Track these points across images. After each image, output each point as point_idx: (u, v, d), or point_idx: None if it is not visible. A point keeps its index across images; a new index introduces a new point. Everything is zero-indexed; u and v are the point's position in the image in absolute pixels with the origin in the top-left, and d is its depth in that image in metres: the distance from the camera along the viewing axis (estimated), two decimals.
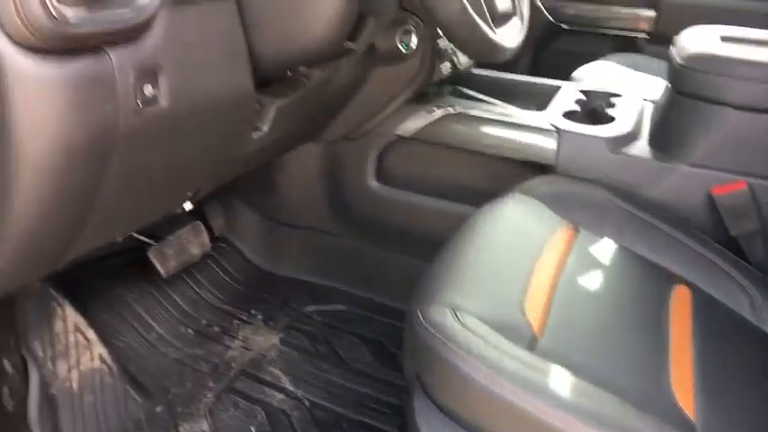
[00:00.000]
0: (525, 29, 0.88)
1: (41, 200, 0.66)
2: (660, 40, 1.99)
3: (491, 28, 0.76)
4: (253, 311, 1.39)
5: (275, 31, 0.85)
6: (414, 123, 1.30)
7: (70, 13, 0.57)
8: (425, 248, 1.40)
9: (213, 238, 1.48)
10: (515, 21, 0.88)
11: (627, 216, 1.05)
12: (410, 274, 1.42)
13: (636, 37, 2.06)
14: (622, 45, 2.05)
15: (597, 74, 1.71)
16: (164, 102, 0.71)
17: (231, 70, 0.83)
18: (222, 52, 0.81)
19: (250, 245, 1.55)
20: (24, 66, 0.57)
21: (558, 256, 0.93)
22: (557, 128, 1.19)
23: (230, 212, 1.54)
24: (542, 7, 2.10)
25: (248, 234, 1.55)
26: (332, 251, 1.50)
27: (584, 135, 1.16)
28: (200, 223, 1.33)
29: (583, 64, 1.81)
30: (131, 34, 0.65)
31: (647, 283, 0.94)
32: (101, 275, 1.25)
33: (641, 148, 1.15)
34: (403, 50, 1.16)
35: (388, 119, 1.31)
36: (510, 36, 0.82)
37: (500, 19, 0.86)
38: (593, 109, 1.31)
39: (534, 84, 1.46)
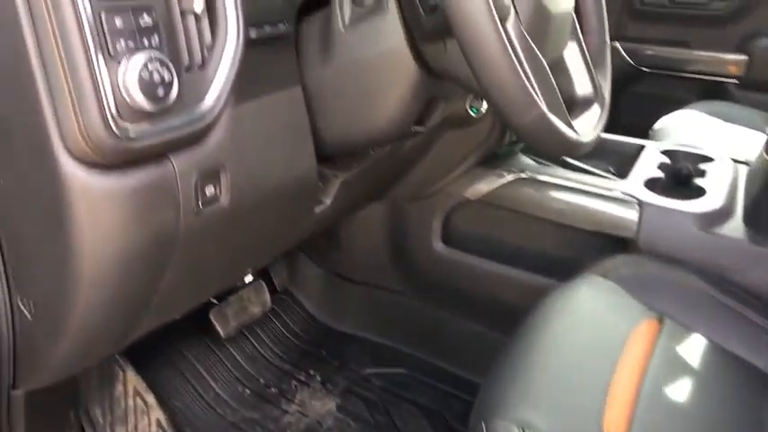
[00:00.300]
0: (606, 116, 0.81)
1: (102, 303, 0.66)
2: (752, 86, 1.86)
3: (569, 124, 0.69)
4: (311, 372, 1.37)
5: (341, 118, 0.82)
6: (482, 186, 1.24)
7: (132, 128, 0.56)
8: (490, 315, 1.35)
9: (275, 291, 1.47)
10: (595, 108, 0.81)
11: (719, 306, 0.95)
12: (473, 340, 1.37)
13: (724, 82, 1.92)
14: (709, 90, 1.92)
15: (682, 126, 1.59)
16: (224, 199, 0.69)
17: (295, 157, 0.80)
18: (287, 140, 0.78)
19: (312, 298, 1.53)
20: (85, 181, 0.56)
21: (640, 356, 0.84)
22: (638, 200, 1.10)
23: (293, 265, 1.53)
24: (621, 50, 2.00)
25: (310, 287, 1.53)
26: (394, 309, 1.46)
27: (670, 209, 1.07)
28: (262, 283, 1.32)
29: (665, 109, 1.69)
30: (194, 139, 0.64)
31: (743, 389, 0.84)
32: (162, 335, 1.25)
33: (735, 226, 1.05)
34: (473, 115, 1.11)
35: (457, 180, 1.27)
36: (589, 127, 0.75)
37: (579, 107, 0.80)
38: (680, 175, 1.21)
39: (613, 142, 1.37)
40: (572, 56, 0.83)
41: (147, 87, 0.55)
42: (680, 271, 1.00)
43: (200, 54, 0.63)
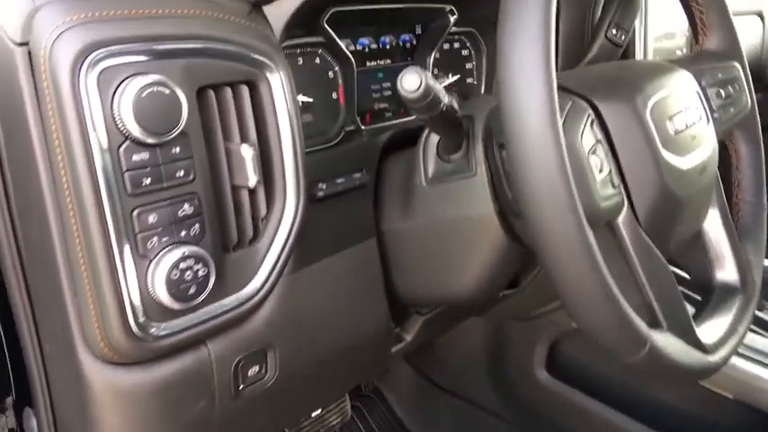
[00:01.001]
0: (753, 310, 0.63)
1: None
2: None
3: (695, 342, 0.54)
4: None
5: (420, 277, 0.72)
6: None
7: (159, 326, 0.51)
8: None
9: (360, 388, 1.39)
10: (739, 304, 0.63)
11: None
12: None
13: None
14: None
15: None
16: (270, 376, 0.62)
17: (364, 314, 0.72)
18: (355, 298, 0.70)
19: (401, 402, 1.43)
20: (109, 379, 0.52)
21: None
22: None
23: None
24: None
25: (400, 389, 1.43)
26: (487, 431, 1.32)
27: None
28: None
29: None
30: (237, 323, 0.57)
31: None
32: None
33: None
34: None
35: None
36: (724, 334, 0.59)
37: (716, 298, 0.63)
38: None
39: None
40: (712, 226, 0.67)
41: (176, 288, 0.50)
42: None
43: (251, 229, 0.57)
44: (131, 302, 0.49)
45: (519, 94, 0.43)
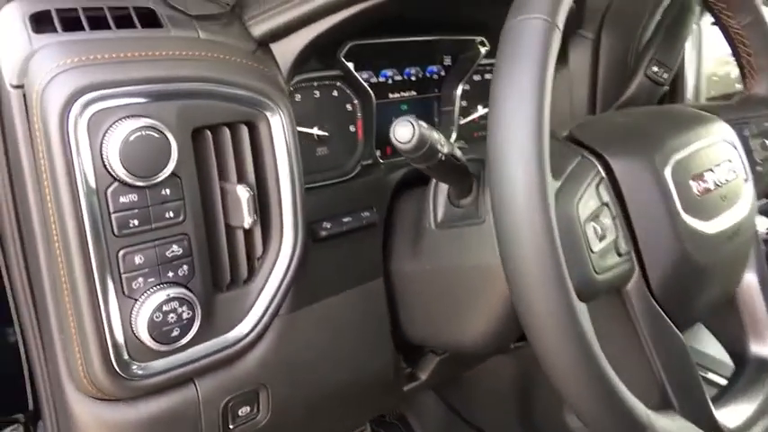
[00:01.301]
0: None
1: None
2: None
3: (712, 427, 0.49)
4: None
5: (426, 321, 0.70)
6: None
7: (143, 365, 0.51)
8: None
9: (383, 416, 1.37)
10: None
11: None
12: None
13: None
14: None
15: None
16: (262, 416, 0.61)
17: (366, 355, 0.70)
18: (357, 339, 0.69)
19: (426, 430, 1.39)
20: (93, 412, 0.52)
21: None
22: None
23: None
24: None
25: (426, 419, 1.40)
26: None
27: None
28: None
29: None
30: (226, 363, 0.57)
31: None
32: None
33: None
34: None
35: None
36: (750, 419, 0.53)
37: (747, 374, 0.57)
38: None
39: None
40: (748, 292, 0.61)
41: (158, 330, 0.49)
42: None
43: (245, 268, 0.57)
44: (114, 341, 0.49)
45: (505, 158, 0.40)
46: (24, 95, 0.45)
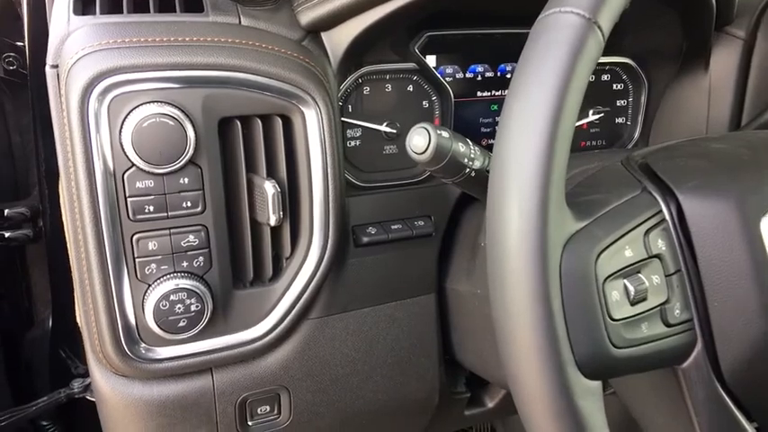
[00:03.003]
0: None
1: None
2: None
3: None
4: None
5: (479, 347, 0.62)
6: None
7: (154, 349, 0.51)
8: None
9: None
10: None
11: None
12: None
13: None
14: None
15: None
16: (283, 418, 0.60)
17: (410, 376, 0.65)
18: (399, 356, 0.63)
19: None
20: (110, 387, 0.53)
21: None
22: None
23: None
24: None
25: None
26: None
27: None
28: None
29: None
30: (246, 359, 0.55)
31: None
32: None
33: None
34: None
35: None
36: None
37: None
38: None
39: None
40: None
41: (164, 318, 0.49)
42: None
43: (270, 266, 0.54)
44: (126, 321, 0.50)
45: (501, 191, 0.32)
46: (58, 75, 0.47)
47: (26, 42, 0.68)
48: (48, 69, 0.47)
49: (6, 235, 0.78)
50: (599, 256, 0.35)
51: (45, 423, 0.90)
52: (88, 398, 0.81)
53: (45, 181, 0.77)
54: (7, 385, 0.83)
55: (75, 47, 0.45)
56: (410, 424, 0.69)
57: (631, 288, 0.36)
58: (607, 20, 0.34)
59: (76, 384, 0.84)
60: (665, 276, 0.38)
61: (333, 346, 0.59)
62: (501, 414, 0.80)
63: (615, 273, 0.36)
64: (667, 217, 0.39)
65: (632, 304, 0.36)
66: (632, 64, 0.74)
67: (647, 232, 0.38)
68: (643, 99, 0.75)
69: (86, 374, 0.82)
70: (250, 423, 0.58)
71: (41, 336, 0.88)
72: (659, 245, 0.38)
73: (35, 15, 0.63)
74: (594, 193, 0.40)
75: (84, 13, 0.48)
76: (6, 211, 0.78)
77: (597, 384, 0.34)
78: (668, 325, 0.38)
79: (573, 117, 0.33)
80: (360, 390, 0.62)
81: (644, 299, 0.37)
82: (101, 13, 0.48)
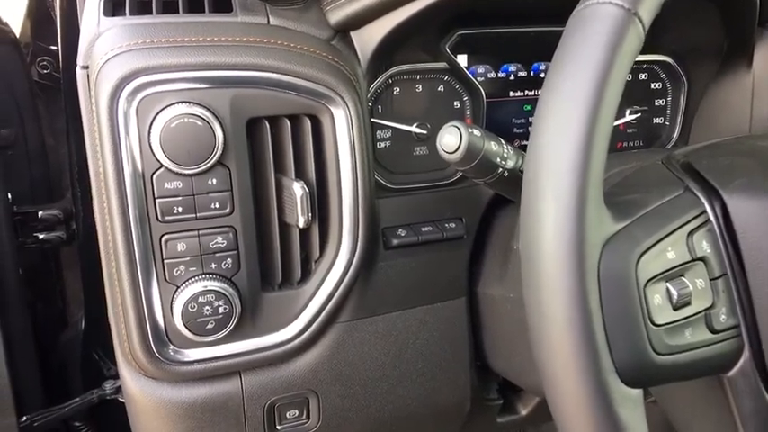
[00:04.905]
0: None
1: None
2: None
3: None
4: None
5: (510, 353, 0.60)
6: None
7: (182, 351, 0.51)
8: None
9: None
10: None
11: None
12: None
13: None
14: None
15: None
16: (312, 423, 0.59)
17: (440, 381, 0.63)
18: (429, 361, 0.62)
19: None
20: (139, 388, 0.53)
21: None
22: None
23: None
24: None
25: None
26: None
27: None
28: None
29: None
30: (271, 363, 0.55)
31: None
32: None
33: None
34: None
35: None
36: None
37: None
38: None
39: None
40: None
41: (192, 320, 0.49)
42: None
43: (299, 268, 0.54)
44: (155, 323, 0.49)
45: (536, 190, 0.31)
46: (88, 77, 0.47)
47: (59, 45, 0.69)
48: (78, 70, 0.47)
49: (40, 237, 0.79)
50: (640, 257, 0.33)
51: (78, 424, 0.91)
52: (120, 399, 0.81)
53: (78, 183, 0.78)
54: (41, 386, 0.84)
55: (105, 48, 0.45)
56: (441, 431, 0.67)
57: (674, 292, 0.34)
58: (648, 11, 0.32)
59: (108, 386, 0.85)
60: (710, 280, 0.36)
61: (362, 351, 0.58)
62: (535, 422, 0.78)
63: (657, 276, 0.34)
64: (712, 218, 0.37)
65: (675, 309, 0.34)
66: (671, 62, 0.71)
67: (691, 234, 0.36)
68: (682, 99, 0.73)
69: (118, 376, 0.82)
70: (279, 427, 0.58)
71: (75, 337, 0.90)
72: (703, 247, 0.36)
73: (68, 19, 0.64)
74: (634, 193, 0.38)
75: (113, 15, 0.48)
76: (41, 214, 0.79)
77: (638, 392, 0.33)
78: (713, 331, 0.36)
79: (612, 112, 0.31)
80: (390, 395, 0.61)
81: (688, 303, 0.35)
82: (130, 14, 0.48)
